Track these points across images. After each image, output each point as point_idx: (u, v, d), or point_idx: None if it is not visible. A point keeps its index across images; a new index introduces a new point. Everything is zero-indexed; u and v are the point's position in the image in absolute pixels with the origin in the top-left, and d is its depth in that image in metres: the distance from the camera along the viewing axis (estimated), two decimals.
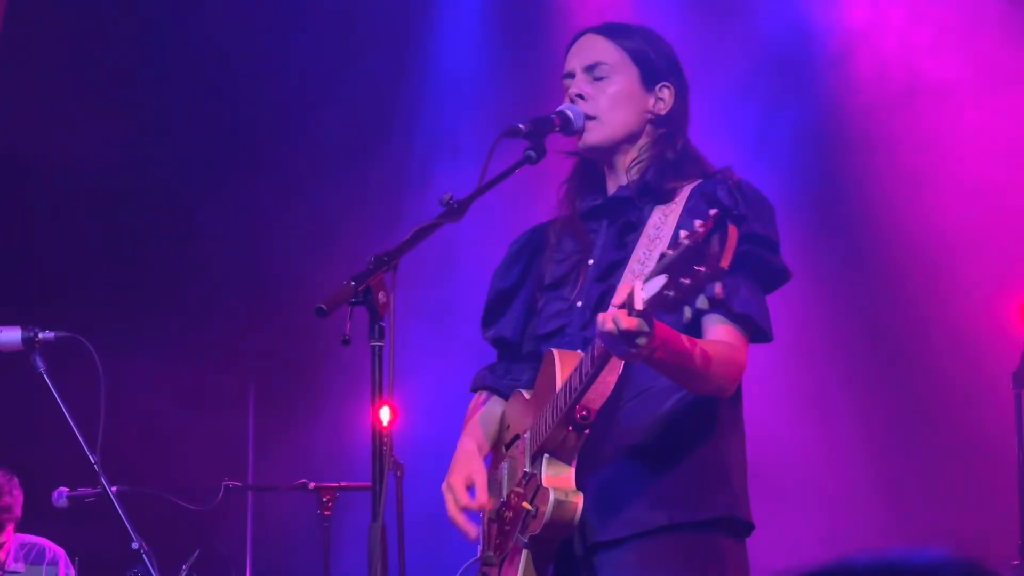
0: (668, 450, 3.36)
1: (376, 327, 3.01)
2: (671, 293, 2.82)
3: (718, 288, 2.82)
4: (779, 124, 7.23)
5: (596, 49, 3.59)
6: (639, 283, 2.91)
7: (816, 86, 7.24)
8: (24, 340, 4.65)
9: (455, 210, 3.25)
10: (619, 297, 2.99)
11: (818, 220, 7.06)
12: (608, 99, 3.53)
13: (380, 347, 3.01)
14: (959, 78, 6.92)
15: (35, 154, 7.87)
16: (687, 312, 2.85)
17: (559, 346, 3.48)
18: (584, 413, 3.27)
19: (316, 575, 6.70)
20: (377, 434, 3.01)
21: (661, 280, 2.84)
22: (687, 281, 2.79)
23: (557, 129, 3.49)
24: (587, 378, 3.19)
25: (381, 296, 3.01)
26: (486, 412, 3.73)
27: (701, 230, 2.79)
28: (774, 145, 7.13)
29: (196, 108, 8.15)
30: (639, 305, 2.90)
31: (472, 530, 3.54)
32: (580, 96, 3.55)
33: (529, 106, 4.91)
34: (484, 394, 3.78)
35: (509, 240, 3.85)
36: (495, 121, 6.67)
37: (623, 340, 2.98)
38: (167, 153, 8.23)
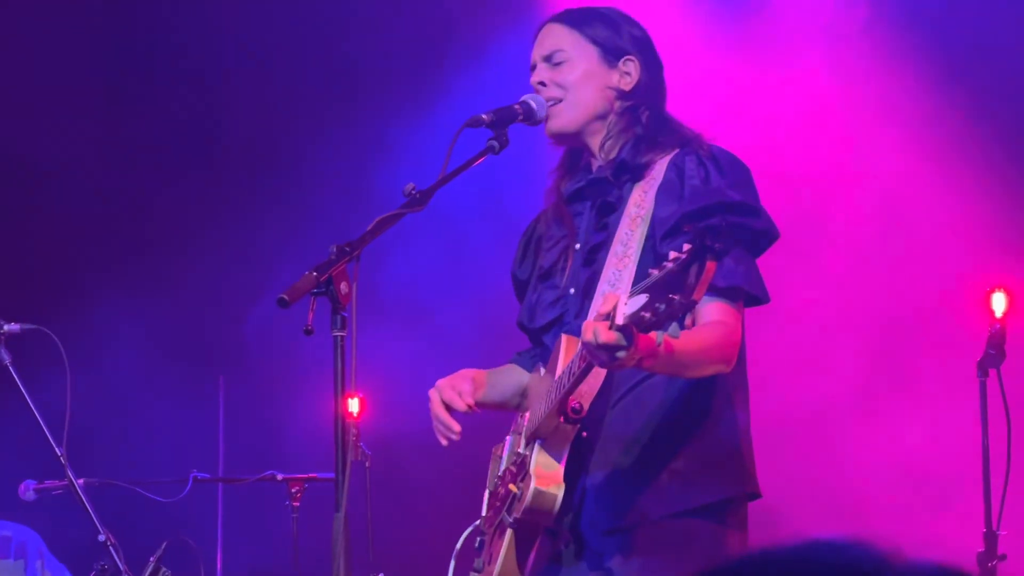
0: (673, 438, 3.37)
1: (338, 317, 3.01)
2: (648, 315, 2.84)
3: (689, 320, 2.81)
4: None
5: (553, 37, 3.60)
6: (624, 297, 2.92)
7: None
8: None
9: (418, 200, 3.25)
10: (605, 306, 2.99)
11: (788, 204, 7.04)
12: (568, 82, 3.53)
13: (342, 337, 3.01)
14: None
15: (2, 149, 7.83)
16: (658, 337, 2.87)
17: (558, 335, 3.46)
18: (576, 405, 3.27)
19: (286, 566, 6.70)
20: (340, 425, 3.01)
21: (642, 299, 2.86)
22: (663, 307, 2.81)
23: (520, 118, 3.49)
24: (574, 377, 3.19)
25: (343, 286, 3.01)
26: (500, 369, 3.73)
27: (683, 257, 2.80)
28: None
29: (169, 106, 8.14)
30: (620, 320, 2.91)
31: (455, 425, 3.52)
32: (541, 84, 3.56)
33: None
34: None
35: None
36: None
37: (602, 352, 2.98)
38: (137, 149, 8.20)
